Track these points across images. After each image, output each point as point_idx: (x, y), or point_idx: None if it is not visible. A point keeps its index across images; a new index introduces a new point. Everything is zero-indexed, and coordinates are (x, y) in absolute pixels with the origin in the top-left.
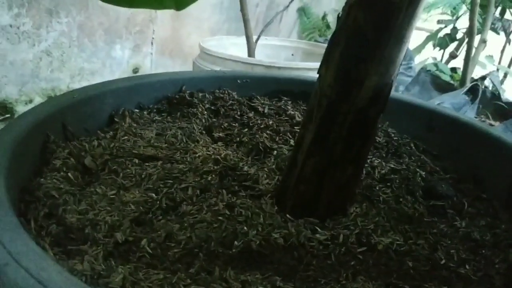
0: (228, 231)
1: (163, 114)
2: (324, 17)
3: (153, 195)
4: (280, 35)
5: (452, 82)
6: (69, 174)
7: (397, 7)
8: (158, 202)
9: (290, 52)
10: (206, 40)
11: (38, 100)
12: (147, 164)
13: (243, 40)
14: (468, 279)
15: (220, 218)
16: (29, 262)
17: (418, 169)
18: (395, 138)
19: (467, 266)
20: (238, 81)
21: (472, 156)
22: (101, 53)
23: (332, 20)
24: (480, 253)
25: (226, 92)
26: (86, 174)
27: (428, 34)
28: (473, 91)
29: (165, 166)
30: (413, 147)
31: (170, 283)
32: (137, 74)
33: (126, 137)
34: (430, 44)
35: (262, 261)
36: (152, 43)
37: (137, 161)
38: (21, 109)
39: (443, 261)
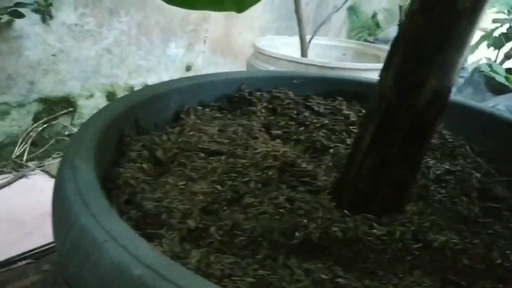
0: (289, 223)
1: (223, 111)
2: (374, 16)
3: (219, 187)
4: (329, 34)
5: (507, 83)
6: (144, 165)
7: (460, 14)
8: (223, 194)
9: (340, 52)
10: (258, 40)
11: (98, 95)
12: (211, 158)
13: (294, 39)
14: None
15: (281, 210)
16: (125, 240)
17: (473, 171)
18: (450, 140)
19: None
20: (295, 81)
21: None
22: (157, 51)
23: (382, 19)
24: None
25: (283, 91)
26: (158, 165)
27: (482, 33)
28: None
29: (228, 161)
30: (468, 149)
31: (240, 267)
32: (190, 71)
33: (191, 133)
34: (484, 44)
35: (322, 252)
36: (204, 42)
37: (202, 155)
38: (82, 103)
39: (498, 261)
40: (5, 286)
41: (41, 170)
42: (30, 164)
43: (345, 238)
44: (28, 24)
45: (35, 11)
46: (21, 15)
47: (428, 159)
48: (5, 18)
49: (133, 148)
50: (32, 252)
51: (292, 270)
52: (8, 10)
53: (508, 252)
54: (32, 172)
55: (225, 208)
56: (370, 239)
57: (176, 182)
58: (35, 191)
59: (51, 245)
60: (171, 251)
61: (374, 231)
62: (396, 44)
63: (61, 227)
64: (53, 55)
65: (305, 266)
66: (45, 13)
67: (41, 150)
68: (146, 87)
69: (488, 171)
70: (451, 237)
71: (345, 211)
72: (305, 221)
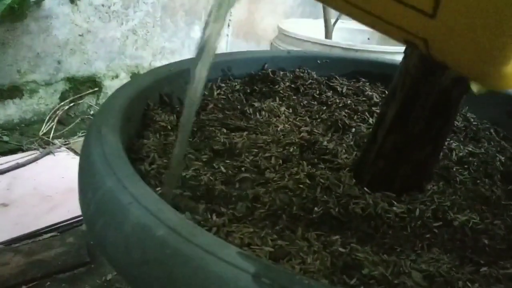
0: (308, 198)
1: (247, 89)
2: None
3: (241, 161)
4: None
5: None
6: (167, 138)
7: None
8: (244, 168)
9: (366, 36)
10: (283, 22)
11: (123, 75)
12: (233, 134)
13: (319, 22)
14: None
15: (301, 186)
16: (148, 203)
17: (497, 154)
18: (474, 123)
19: None
20: (318, 61)
21: None
22: (181, 33)
23: None
24: None
25: (306, 71)
26: None
27: None
28: None
29: (250, 137)
30: (493, 133)
31: (259, 236)
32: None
33: (214, 108)
34: None
35: (340, 227)
36: (228, 25)
37: (225, 130)
38: (108, 83)
39: None
40: (31, 257)
41: (67, 148)
42: (56, 141)
43: (364, 214)
44: (56, 4)
45: None
46: None
47: (451, 141)
48: None
49: (158, 121)
50: (57, 226)
51: (310, 242)
52: None
53: None
54: (58, 150)
55: (247, 181)
56: (389, 216)
57: (200, 156)
58: (61, 168)
59: (76, 219)
60: (194, 219)
61: (394, 208)
62: None
63: (87, 191)
64: (80, 35)
65: (323, 239)
66: None
67: (67, 128)
68: (172, 63)
69: None
70: (472, 217)
71: (365, 189)
72: (325, 196)
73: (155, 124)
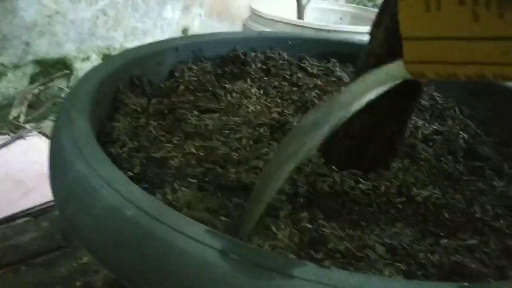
0: None
1: (218, 71)
2: None
3: (212, 143)
4: None
5: None
6: (138, 120)
7: None
8: (215, 149)
9: (338, 16)
10: (255, 2)
11: (94, 57)
12: (204, 115)
13: (291, 3)
14: (501, 232)
15: None
16: (119, 186)
17: (461, 132)
18: (440, 101)
19: (501, 221)
20: (289, 42)
21: None
22: (152, 14)
23: None
24: None
25: (277, 52)
26: (152, 120)
27: None
28: None
29: (221, 118)
30: (458, 111)
31: (226, 209)
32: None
33: (185, 91)
34: None
35: (308, 204)
36: (201, 5)
37: (196, 112)
38: (79, 65)
39: (477, 215)
40: (6, 242)
41: (39, 132)
42: (27, 125)
43: (332, 192)
44: None
45: None
46: None
47: (418, 120)
48: None
49: (128, 104)
50: (31, 211)
51: (280, 219)
52: None
53: (487, 207)
54: (30, 134)
55: (216, 162)
56: (355, 193)
57: (170, 137)
58: (33, 152)
59: (50, 203)
60: (164, 199)
61: (360, 185)
62: (387, 2)
63: (57, 175)
64: (48, 16)
65: (292, 217)
66: None
67: (38, 112)
68: (143, 46)
69: (475, 133)
70: (434, 192)
71: (333, 167)
72: (294, 176)
73: (126, 107)
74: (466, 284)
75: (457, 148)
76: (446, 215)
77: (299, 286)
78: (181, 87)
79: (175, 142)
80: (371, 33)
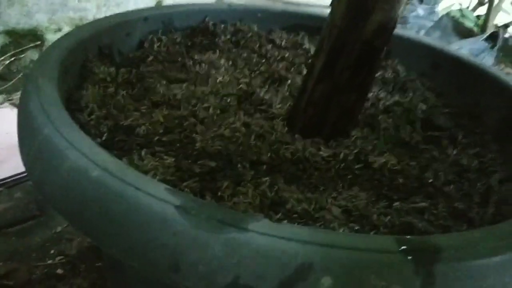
0: (243, 145)
1: (188, 42)
2: None
3: (179, 112)
4: None
5: (475, 28)
6: (106, 89)
7: None
8: (183, 117)
9: None
10: None
11: (66, 29)
12: (173, 85)
13: None
14: (450, 196)
15: (237, 134)
16: (83, 147)
17: (420, 103)
18: (402, 74)
19: (451, 186)
20: (259, 14)
21: (471, 94)
22: None
23: None
24: (465, 176)
25: (247, 25)
26: (121, 89)
27: None
28: (493, 38)
29: (189, 88)
30: (419, 84)
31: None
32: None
33: (154, 61)
34: None
35: (271, 170)
36: None
37: (164, 82)
38: (50, 37)
39: (430, 180)
40: None
41: (10, 103)
42: None
43: (294, 158)
44: None
45: None
46: None
47: (380, 92)
48: None
49: (96, 73)
50: (4, 181)
51: (244, 183)
52: None
53: (440, 173)
54: (1, 105)
55: (183, 130)
56: (316, 160)
57: (139, 106)
58: (5, 123)
59: (22, 174)
60: (131, 165)
61: (321, 152)
62: None
63: (26, 139)
64: None
65: (254, 181)
66: None
67: (9, 84)
68: (112, 15)
69: (434, 104)
70: (390, 159)
71: (296, 136)
72: (258, 143)
73: (94, 76)
74: (407, 236)
75: (416, 119)
76: (400, 180)
77: (253, 238)
78: (150, 57)
79: (143, 110)
80: (332, 5)
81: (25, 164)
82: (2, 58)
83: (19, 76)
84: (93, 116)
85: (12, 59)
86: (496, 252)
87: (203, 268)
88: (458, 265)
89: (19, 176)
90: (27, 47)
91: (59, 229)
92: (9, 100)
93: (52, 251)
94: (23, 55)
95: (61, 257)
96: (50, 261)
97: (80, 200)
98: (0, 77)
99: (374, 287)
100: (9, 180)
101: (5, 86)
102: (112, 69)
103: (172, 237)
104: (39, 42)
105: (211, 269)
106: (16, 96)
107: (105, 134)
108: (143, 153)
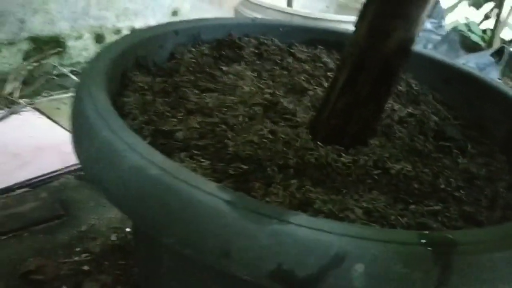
0: (272, 150)
1: (215, 54)
2: None
3: (211, 119)
4: None
5: (481, 43)
6: (145, 97)
7: None
8: (215, 124)
9: (324, 4)
10: None
11: (87, 36)
12: (204, 94)
13: None
14: (460, 200)
15: (264, 140)
16: (141, 149)
17: (432, 115)
18: (415, 88)
19: (461, 191)
20: (280, 29)
21: (480, 107)
22: None
23: None
24: (474, 183)
25: (270, 38)
26: (158, 97)
27: None
28: (500, 53)
29: (219, 97)
30: (431, 97)
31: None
32: (176, 17)
33: (186, 71)
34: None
35: (297, 174)
36: None
37: (196, 91)
38: (72, 44)
39: (442, 186)
40: (7, 210)
41: (32, 108)
42: (21, 101)
43: (317, 164)
44: None
45: None
46: None
47: (394, 104)
48: None
49: (136, 82)
50: (29, 182)
51: (274, 185)
52: None
53: (451, 180)
54: (24, 109)
55: (217, 136)
56: (337, 165)
57: (176, 113)
58: (28, 127)
59: (47, 175)
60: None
61: (342, 159)
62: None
63: (84, 141)
64: None
65: (283, 183)
66: None
67: (31, 89)
68: (145, 29)
69: (445, 116)
70: (406, 166)
71: (319, 143)
72: (285, 149)
73: (134, 84)
74: (425, 232)
75: (428, 130)
76: (415, 185)
77: (294, 230)
78: (182, 68)
79: (179, 117)
80: (356, 25)
81: (82, 162)
82: (25, 63)
83: (41, 81)
84: (136, 121)
85: (35, 64)
86: (506, 247)
87: (251, 254)
88: (472, 258)
89: (44, 177)
90: (49, 53)
91: (83, 228)
92: (31, 104)
93: (77, 249)
94: (45, 61)
95: (87, 254)
96: (76, 258)
97: (139, 195)
98: (23, 82)
99: (398, 273)
100: (35, 180)
101: (26, 91)
102: (149, 79)
103: (223, 227)
104: (60, 49)
105: (257, 256)
106: (38, 100)
107: (148, 138)
108: (182, 155)
